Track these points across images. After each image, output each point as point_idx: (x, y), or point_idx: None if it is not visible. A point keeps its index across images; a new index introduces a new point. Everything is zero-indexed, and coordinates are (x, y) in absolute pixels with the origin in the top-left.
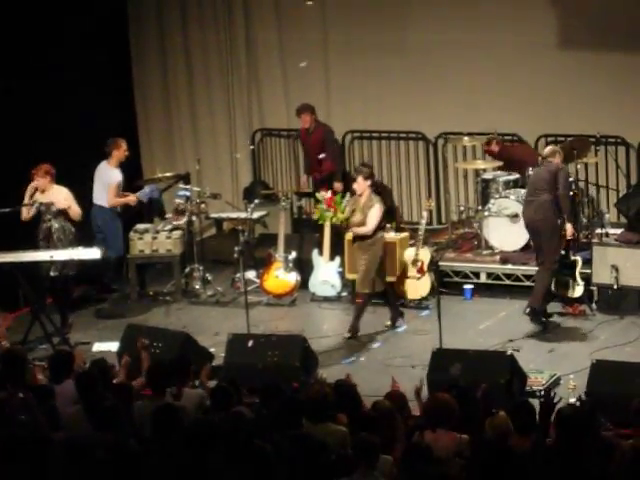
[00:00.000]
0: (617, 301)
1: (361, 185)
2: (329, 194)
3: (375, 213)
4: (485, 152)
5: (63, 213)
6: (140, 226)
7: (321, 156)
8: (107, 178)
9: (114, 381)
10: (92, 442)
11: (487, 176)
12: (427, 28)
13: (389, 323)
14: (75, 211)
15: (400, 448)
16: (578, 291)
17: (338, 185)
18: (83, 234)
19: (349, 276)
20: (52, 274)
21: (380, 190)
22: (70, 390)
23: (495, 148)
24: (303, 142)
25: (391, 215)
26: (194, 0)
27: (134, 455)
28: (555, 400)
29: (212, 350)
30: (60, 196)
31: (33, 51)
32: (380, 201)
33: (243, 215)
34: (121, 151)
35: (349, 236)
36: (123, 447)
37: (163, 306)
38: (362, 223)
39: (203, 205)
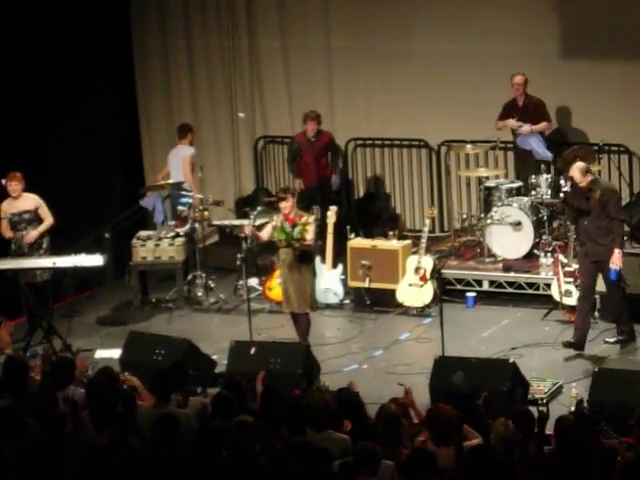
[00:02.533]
0: None
1: (290, 203)
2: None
3: (313, 228)
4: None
5: (37, 219)
6: (143, 233)
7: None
8: (182, 152)
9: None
10: (97, 448)
11: (490, 184)
12: (430, 37)
13: None
14: (46, 214)
15: (405, 453)
16: None
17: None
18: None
19: (352, 284)
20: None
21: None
22: (73, 396)
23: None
24: (303, 148)
25: (393, 223)
26: (197, 8)
27: (138, 461)
28: (546, 411)
29: (214, 357)
30: (31, 202)
31: (34, 57)
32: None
33: (246, 222)
34: (192, 134)
35: (351, 243)
36: (127, 453)
37: (165, 313)
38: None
39: (206, 212)
